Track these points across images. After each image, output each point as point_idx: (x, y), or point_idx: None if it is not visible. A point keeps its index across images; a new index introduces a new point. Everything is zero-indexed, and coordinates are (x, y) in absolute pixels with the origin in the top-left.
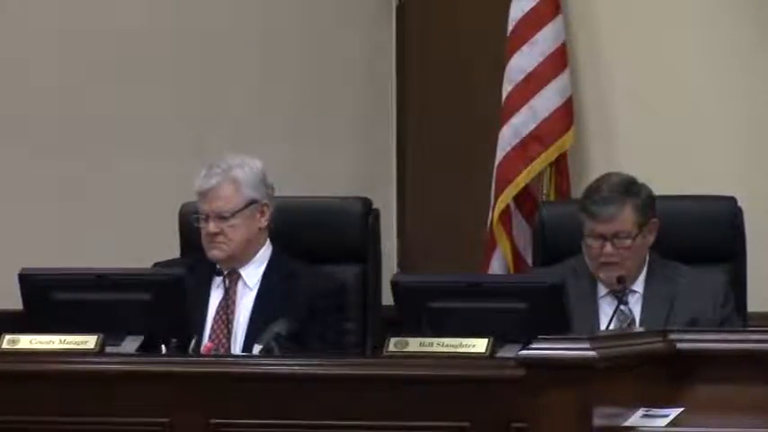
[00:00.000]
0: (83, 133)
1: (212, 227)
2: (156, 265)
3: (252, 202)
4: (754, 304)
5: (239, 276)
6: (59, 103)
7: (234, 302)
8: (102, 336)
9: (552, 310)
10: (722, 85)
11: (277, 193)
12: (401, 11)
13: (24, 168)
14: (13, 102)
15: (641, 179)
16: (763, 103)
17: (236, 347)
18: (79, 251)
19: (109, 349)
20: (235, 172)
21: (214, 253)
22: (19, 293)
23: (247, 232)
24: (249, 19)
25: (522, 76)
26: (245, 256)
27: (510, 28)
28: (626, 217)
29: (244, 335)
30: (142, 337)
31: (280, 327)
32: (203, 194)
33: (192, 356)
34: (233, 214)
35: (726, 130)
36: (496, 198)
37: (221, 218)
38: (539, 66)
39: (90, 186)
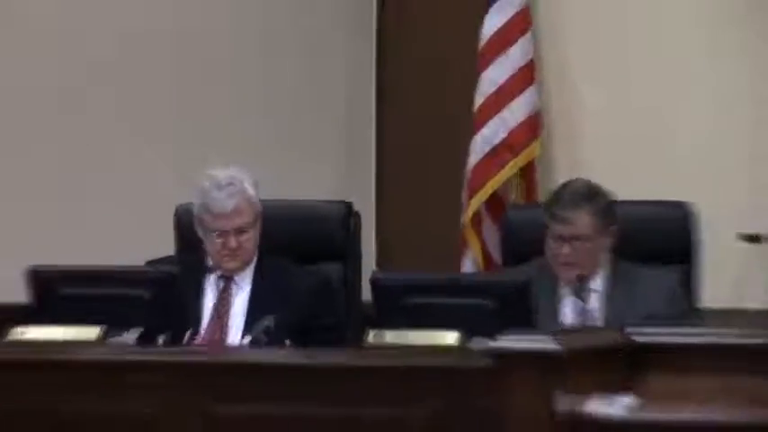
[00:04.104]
0: (82, 134)
1: (233, 242)
2: (148, 263)
3: (259, 214)
4: (709, 301)
5: (232, 277)
6: (59, 104)
7: (228, 302)
8: (104, 328)
9: (519, 307)
10: (682, 98)
11: (267, 197)
12: (380, 31)
13: (32, 169)
14: (14, 101)
15: (604, 185)
16: (719, 116)
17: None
18: (80, 248)
19: (110, 340)
20: (246, 190)
21: (232, 265)
22: (26, 288)
23: (257, 241)
24: (247, 33)
25: (493, 89)
26: (250, 260)
27: (482, 43)
28: (584, 221)
29: (238, 331)
30: (141, 330)
31: (269, 321)
32: (224, 215)
33: (185, 347)
34: (249, 231)
35: (684, 139)
36: (468, 202)
37: (240, 233)
38: (509, 79)
39: (90, 186)
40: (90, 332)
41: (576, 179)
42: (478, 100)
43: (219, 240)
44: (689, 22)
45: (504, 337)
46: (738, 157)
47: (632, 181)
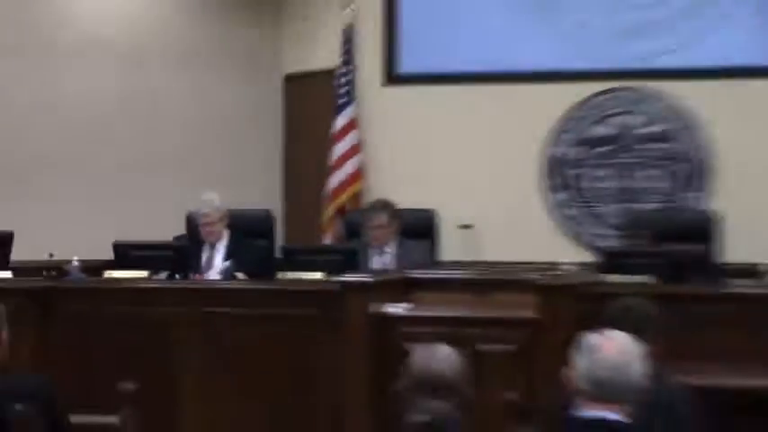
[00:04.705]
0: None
1: (210, 228)
2: (175, 238)
3: (224, 215)
4: (445, 257)
5: (214, 245)
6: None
7: (212, 258)
8: (150, 271)
9: (353, 260)
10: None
11: (225, 206)
12: (287, 126)
13: (120, 183)
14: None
15: (393, 200)
16: (456, 160)
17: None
18: (140, 230)
19: (154, 277)
20: (214, 203)
21: (210, 239)
22: (113, 251)
23: (222, 228)
24: (210, 107)
25: (337, 156)
26: (221, 237)
27: (333, 133)
28: (382, 218)
29: (217, 273)
30: (168, 272)
31: (231, 266)
32: (204, 215)
33: (191, 280)
34: (216, 223)
35: (435, 177)
36: (326, 209)
37: (211, 225)
38: (345, 152)
39: (149, 193)
40: (143, 273)
41: (380, 199)
42: (331, 161)
43: (202, 227)
44: None
45: (345, 275)
46: (465, 184)
47: (406, 197)
